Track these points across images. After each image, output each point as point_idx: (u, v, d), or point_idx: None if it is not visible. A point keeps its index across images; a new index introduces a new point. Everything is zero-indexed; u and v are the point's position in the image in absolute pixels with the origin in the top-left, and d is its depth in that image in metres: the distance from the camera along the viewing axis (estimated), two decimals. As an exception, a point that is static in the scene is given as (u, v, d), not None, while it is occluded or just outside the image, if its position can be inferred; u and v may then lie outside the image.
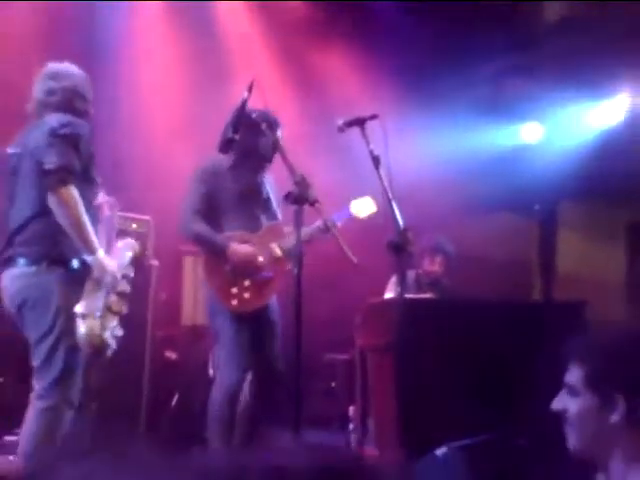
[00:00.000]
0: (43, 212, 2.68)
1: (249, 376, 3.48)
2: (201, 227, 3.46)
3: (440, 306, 3.96)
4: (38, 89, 2.86)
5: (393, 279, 4.53)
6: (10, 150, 2.85)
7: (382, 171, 2.73)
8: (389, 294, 4.56)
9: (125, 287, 2.82)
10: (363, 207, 3.64)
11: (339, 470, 0.91)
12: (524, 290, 6.43)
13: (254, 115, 3.17)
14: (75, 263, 2.73)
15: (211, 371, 4.36)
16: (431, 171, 5.43)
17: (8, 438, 3.60)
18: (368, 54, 5.68)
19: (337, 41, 5.82)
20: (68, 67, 2.94)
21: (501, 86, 5.91)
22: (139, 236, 3.64)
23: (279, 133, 3.27)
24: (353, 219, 3.63)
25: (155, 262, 4.31)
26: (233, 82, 4.67)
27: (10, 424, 2.95)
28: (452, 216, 5.69)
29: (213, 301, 3.51)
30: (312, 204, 2.75)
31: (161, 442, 4.32)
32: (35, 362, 2.70)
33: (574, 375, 1.68)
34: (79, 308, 2.64)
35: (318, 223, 3.35)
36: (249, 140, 3.35)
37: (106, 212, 2.91)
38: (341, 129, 2.85)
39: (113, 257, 2.82)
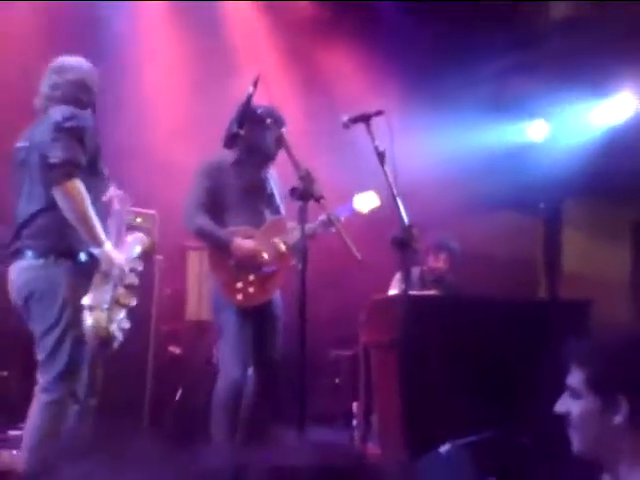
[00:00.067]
0: (50, 206, 2.69)
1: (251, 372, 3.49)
2: (205, 221, 3.47)
3: (444, 303, 3.95)
4: (44, 84, 2.87)
5: (397, 276, 4.53)
6: (18, 145, 2.85)
7: (387, 167, 2.72)
8: (393, 291, 4.56)
9: (133, 280, 2.82)
10: (366, 201, 3.64)
11: (341, 469, 0.90)
12: (529, 288, 6.42)
13: (259, 111, 3.17)
14: (83, 256, 2.73)
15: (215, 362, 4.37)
16: (436, 168, 5.42)
17: (12, 433, 3.61)
18: (372, 52, 5.68)
19: (342, 39, 5.81)
20: (73, 60, 2.93)
21: (506, 84, 5.89)
22: (144, 231, 3.64)
23: (284, 129, 3.26)
24: (356, 214, 3.63)
25: (159, 257, 4.31)
26: (238, 80, 4.67)
27: (14, 419, 2.95)
28: (457, 214, 5.68)
29: (217, 296, 3.52)
30: (317, 200, 2.75)
31: (164, 437, 4.32)
32: (40, 355, 2.70)
33: (576, 378, 1.68)
34: (86, 300, 2.64)
35: (322, 218, 3.35)
36: (254, 135, 3.35)
37: (116, 206, 2.91)
38: (346, 125, 2.85)
39: (122, 251, 2.82)
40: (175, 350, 4.86)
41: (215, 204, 3.50)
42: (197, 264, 4.87)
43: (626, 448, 1.63)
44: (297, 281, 2.69)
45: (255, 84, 2.90)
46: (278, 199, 3.64)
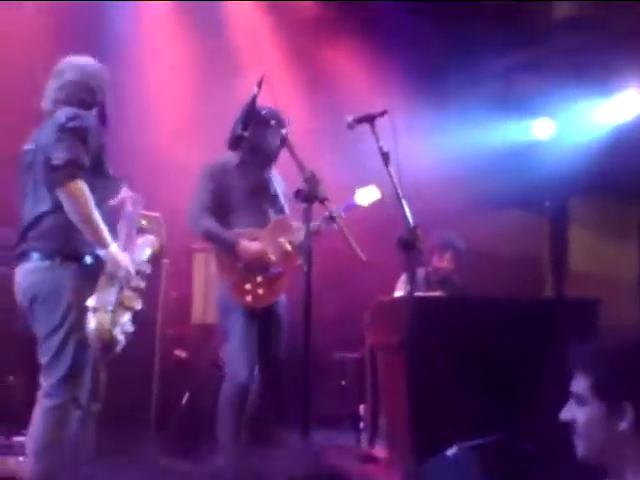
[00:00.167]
0: (55, 208, 2.68)
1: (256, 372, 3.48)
2: (210, 223, 3.48)
3: (450, 304, 3.93)
4: (50, 85, 2.87)
5: (403, 277, 4.51)
6: (25, 147, 2.85)
7: (391, 168, 2.70)
8: (399, 292, 4.54)
9: (139, 283, 2.80)
10: (367, 195, 3.66)
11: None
12: (535, 287, 6.39)
13: (264, 112, 3.17)
14: (88, 259, 2.72)
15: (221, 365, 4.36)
16: (441, 168, 5.41)
17: (17, 439, 3.60)
18: (376, 51, 5.66)
19: (345, 39, 5.80)
20: (79, 60, 2.92)
21: (511, 82, 5.88)
22: (153, 233, 3.62)
23: (287, 130, 3.25)
24: (358, 207, 3.65)
25: (165, 260, 4.31)
26: (241, 80, 4.66)
27: (19, 424, 2.94)
28: (462, 213, 5.66)
29: (224, 298, 3.52)
30: (322, 202, 2.74)
31: (171, 441, 4.32)
32: (43, 359, 2.69)
33: (581, 384, 1.68)
34: (91, 302, 2.62)
35: (324, 215, 3.34)
36: (258, 137, 3.36)
37: (129, 207, 2.91)
38: (350, 126, 2.84)
39: (132, 253, 2.81)
40: (181, 354, 4.85)
41: (220, 206, 3.51)
42: (203, 267, 4.86)
43: (631, 454, 1.63)
44: (302, 282, 2.67)
45: (259, 85, 2.89)
46: (282, 199, 3.64)
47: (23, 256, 2.73)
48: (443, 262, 4.81)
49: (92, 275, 2.70)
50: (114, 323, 2.64)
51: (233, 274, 3.46)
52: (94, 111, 2.87)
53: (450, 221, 5.27)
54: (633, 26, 5.11)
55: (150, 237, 2.95)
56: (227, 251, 3.47)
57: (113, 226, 2.83)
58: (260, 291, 3.46)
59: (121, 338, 2.67)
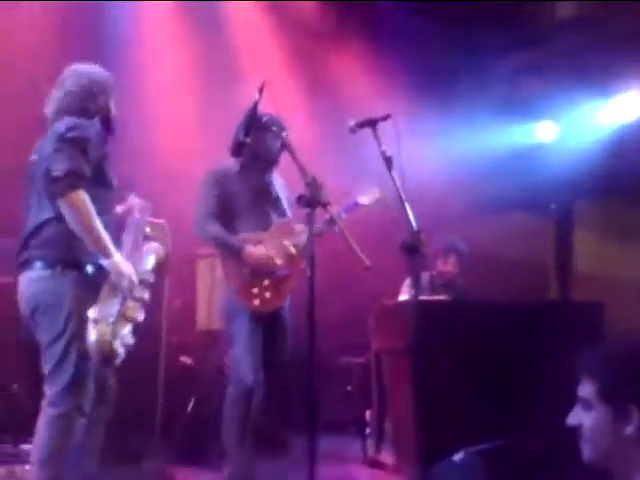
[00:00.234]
0: (57, 217, 2.68)
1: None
2: (216, 229, 3.50)
3: (455, 308, 3.93)
4: (53, 95, 2.88)
5: (407, 281, 4.50)
6: (31, 158, 2.86)
7: (394, 172, 2.70)
8: (403, 296, 4.54)
9: (143, 293, 2.79)
10: (369, 195, 3.69)
11: None
12: (540, 290, 6.38)
13: (265, 118, 3.18)
14: (90, 268, 2.72)
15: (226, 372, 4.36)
16: (445, 171, 5.41)
17: (24, 447, 3.61)
18: (379, 55, 5.67)
19: (348, 42, 5.80)
20: (82, 68, 2.92)
21: (514, 85, 5.88)
22: (158, 241, 3.63)
23: (287, 135, 3.26)
24: (359, 207, 3.67)
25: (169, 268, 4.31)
26: (244, 85, 4.67)
27: (26, 432, 2.94)
28: (466, 216, 5.66)
29: (229, 303, 3.53)
30: (324, 206, 2.74)
31: (176, 447, 4.31)
32: (46, 367, 2.69)
33: (587, 389, 1.68)
34: (92, 313, 2.61)
35: (325, 217, 3.36)
36: (259, 142, 3.37)
37: (135, 215, 2.90)
38: (353, 130, 2.84)
39: (137, 261, 2.80)
40: (186, 360, 4.84)
41: (224, 211, 3.53)
42: (207, 273, 4.86)
43: (637, 458, 1.64)
44: (306, 286, 2.67)
45: (261, 91, 2.89)
46: (284, 203, 3.66)
47: (25, 265, 2.74)
48: (447, 266, 4.80)
49: (94, 284, 2.70)
50: (115, 335, 2.63)
51: (240, 279, 3.48)
52: (97, 119, 2.87)
53: (454, 225, 5.26)
54: (635, 28, 5.10)
55: (155, 245, 2.95)
56: (233, 256, 3.48)
57: (118, 235, 2.82)
58: (267, 294, 3.48)
59: (121, 350, 2.65)
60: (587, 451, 1.69)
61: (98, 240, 2.65)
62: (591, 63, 5.33)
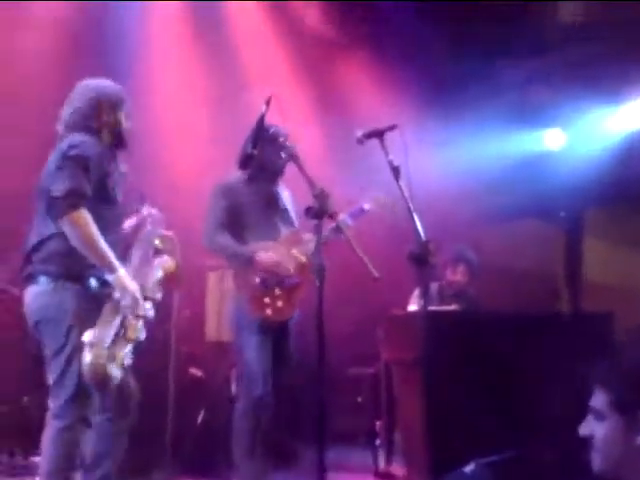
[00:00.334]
0: (59, 232, 2.70)
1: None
2: (226, 239, 3.52)
3: (465, 318, 3.91)
4: (64, 111, 2.90)
5: (416, 292, 4.49)
6: (42, 174, 2.88)
7: (402, 182, 2.70)
8: (412, 307, 4.52)
9: (147, 311, 2.79)
10: (374, 201, 3.71)
11: None
12: (550, 299, 6.34)
13: (271, 130, 3.19)
14: (93, 281, 2.73)
15: (234, 387, 4.35)
16: (454, 180, 5.40)
17: (34, 459, 3.61)
18: (387, 64, 5.67)
19: (356, 52, 5.81)
20: (87, 84, 2.94)
21: (522, 93, 5.87)
22: (167, 253, 3.65)
23: (294, 147, 3.27)
24: (365, 212, 3.69)
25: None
26: (252, 98, 4.69)
27: (37, 445, 2.95)
28: (476, 225, 5.64)
29: (238, 314, 3.54)
30: (331, 216, 2.74)
31: (186, 459, 4.31)
32: (50, 380, 2.70)
33: (599, 399, 1.68)
34: (87, 336, 2.59)
35: (332, 225, 3.36)
36: (266, 154, 3.39)
37: (147, 227, 2.91)
38: (360, 141, 2.85)
39: (144, 277, 2.81)
40: (196, 372, 4.84)
41: (233, 223, 3.55)
42: (216, 285, 4.87)
43: None
44: (315, 297, 2.67)
45: (268, 103, 2.91)
46: (292, 213, 3.68)
47: (29, 279, 2.76)
48: (456, 275, 4.79)
49: (97, 299, 2.70)
50: (112, 358, 2.62)
51: (251, 289, 3.49)
52: (105, 134, 2.89)
53: (463, 234, 5.25)
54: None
55: (165, 257, 2.95)
56: (244, 266, 3.49)
57: (125, 251, 2.83)
58: (279, 303, 3.50)
59: (116, 374, 2.64)
60: (598, 461, 1.69)
61: (102, 258, 2.66)
62: (599, 71, 5.32)
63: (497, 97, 5.67)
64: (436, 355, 2.75)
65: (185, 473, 4.21)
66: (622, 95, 5.65)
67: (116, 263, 2.68)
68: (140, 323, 2.76)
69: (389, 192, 3.08)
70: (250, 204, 3.57)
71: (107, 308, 2.68)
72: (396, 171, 2.72)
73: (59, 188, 2.65)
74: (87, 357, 2.57)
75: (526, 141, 6.20)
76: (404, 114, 4.76)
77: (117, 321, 2.67)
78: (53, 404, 2.68)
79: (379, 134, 2.80)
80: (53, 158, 2.76)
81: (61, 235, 2.69)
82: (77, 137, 2.78)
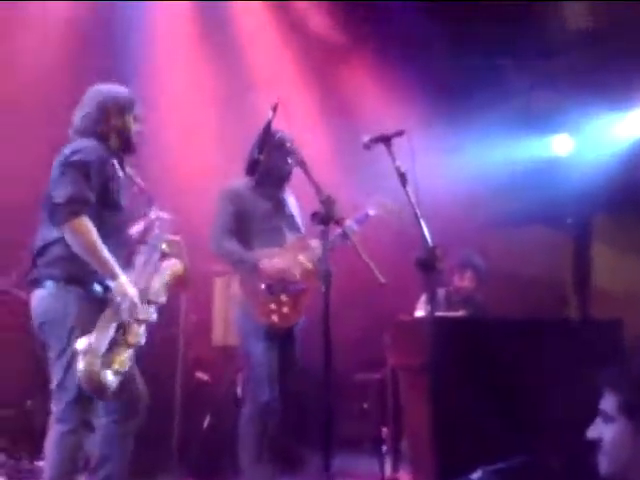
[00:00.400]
0: (62, 237, 2.71)
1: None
2: (232, 245, 3.53)
3: (472, 324, 3.89)
4: (75, 116, 2.91)
5: (423, 297, 4.48)
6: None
7: (409, 188, 2.70)
8: (419, 312, 4.51)
9: (149, 315, 2.79)
10: (379, 206, 3.73)
11: None
12: (558, 306, 6.30)
13: (278, 135, 3.20)
14: (96, 285, 2.73)
15: (239, 390, 4.35)
16: (461, 186, 5.39)
17: (39, 463, 3.61)
18: (394, 69, 5.66)
19: (362, 57, 5.81)
20: (96, 89, 2.95)
21: (529, 99, 5.85)
22: (176, 257, 3.65)
23: (301, 153, 3.28)
24: (370, 218, 3.70)
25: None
26: (259, 98, 4.71)
27: (41, 449, 2.95)
28: (483, 231, 5.62)
29: (245, 320, 3.55)
30: (338, 222, 2.74)
31: (193, 463, 4.31)
32: (53, 383, 2.70)
33: (609, 402, 1.68)
34: (81, 344, 2.59)
35: (338, 231, 3.37)
36: (272, 160, 3.39)
37: (156, 231, 2.91)
38: (367, 146, 2.85)
39: (148, 281, 2.80)
40: (202, 377, 4.84)
41: (240, 229, 3.56)
42: (223, 290, 4.87)
43: None
44: (322, 303, 2.66)
45: (274, 109, 2.91)
46: (298, 219, 3.69)
47: (34, 282, 2.77)
48: (464, 281, 4.79)
49: (100, 302, 2.71)
50: (107, 364, 2.62)
51: (257, 295, 3.49)
52: (113, 138, 2.89)
53: (471, 240, 5.23)
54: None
55: (173, 261, 2.95)
56: (250, 272, 3.49)
57: (129, 256, 2.84)
58: (285, 310, 3.50)
59: (111, 380, 2.63)
60: (606, 465, 1.70)
61: (102, 264, 2.66)
62: (607, 76, 5.30)
63: (504, 103, 5.66)
64: (443, 361, 2.74)
65: (191, 477, 4.21)
66: (630, 101, 5.63)
67: (117, 269, 2.69)
68: (142, 328, 2.76)
69: (396, 198, 3.08)
70: (257, 210, 3.58)
71: (106, 313, 2.68)
72: (403, 177, 2.72)
73: (60, 194, 2.66)
74: (80, 364, 2.57)
75: (534, 147, 6.18)
76: (411, 119, 4.76)
77: (114, 326, 2.66)
78: (55, 407, 2.68)
79: (386, 139, 2.80)
80: (57, 164, 2.77)
81: (64, 240, 2.70)
82: (80, 142, 2.79)
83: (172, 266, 2.94)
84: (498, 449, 2.65)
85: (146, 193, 3.00)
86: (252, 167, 3.09)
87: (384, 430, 4.52)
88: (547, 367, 3.29)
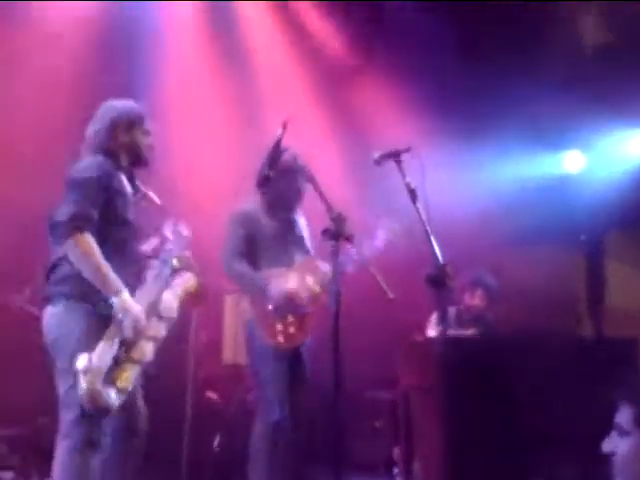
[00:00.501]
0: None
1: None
2: (242, 267, 3.55)
3: (484, 343, 3.86)
4: (87, 132, 2.93)
5: (434, 316, 4.45)
6: None
7: (419, 204, 2.69)
8: (431, 331, 4.48)
9: (158, 331, 2.78)
10: (389, 230, 3.71)
11: None
12: (571, 325, 6.24)
13: (287, 156, 3.20)
14: (104, 303, 2.72)
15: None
16: (473, 203, 5.37)
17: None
18: (406, 85, 5.67)
19: (372, 72, 5.83)
20: (107, 105, 2.96)
21: (541, 115, 5.84)
22: (193, 271, 3.64)
23: (311, 171, 3.28)
24: (383, 244, 3.68)
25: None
26: (269, 118, 4.72)
27: (50, 467, 2.93)
28: (495, 249, 5.59)
29: (252, 340, 3.56)
30: (348, 239, 2.74)
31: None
32: (60, 400, 2.70)
33: (624, 416, 1.66)
34: (81, 363, 2.57)
35: (351, 256, 3.41)
36: (282, 181, 3.39)
37: (169, 246, 2.90)
38: (377, 162, 2.85)
39: (157, 298, 2.79)
40: (212, 396, 4.82)
41: (250, 250, 3.59)
42: (234, 308, 4.87)
43: None
44: (332, 322, 2.65)
45: (284, 126, 2.92)
46: (308, 242, 3.71)
47: (46, 300, 2.79)
48: (474, 300, 4.76)
49: (107, 319, 2.69)
50: (109, 382, 2.60)
51: (265, 316, 3.51)
52: (123, 154, 2.90)
53: (482, 257, 5.21)
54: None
55: (188, 275, 2.94)
56: (258, 293, 3.50)
57: (140, 272, 2.83)
58: (291, 330, 3.51)
59: (114, 398, 2.60)
60: (621, 477, 1.66)
61: (103, 280, 2.65)
62: (619, 93, 5.28)
63: (515, 119, 5.65)
64: (455, 381, 2.71)
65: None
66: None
67: (118, 286, 2.67)
68: (150, 344, 2.74)
69: (406, 214, 3.06)
70: (267, 232, 3.61)
71: (110, 330, 2.67)
72: (413, 193, 2.72)
73: (62, 212, 2.67)
74: (82, 383, 2.55)
75: (545, 164, 6.16)
76: (423, 136, 4.76)
77: (117, 343, 2.65)
78: (61, 424, 2.67)
79: (395, 156, 2.80)
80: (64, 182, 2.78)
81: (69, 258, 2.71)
82: (85, 160, 2.81)
83: (185, 281, 2.93)
84: (511, 469, 2.61)
85: (161, 208, 3.00)
86: (262, 183, 3.09)
87: (396, 451, 4.46)
88: (561, 386, 3.24)
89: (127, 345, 2.68)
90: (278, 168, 3.03)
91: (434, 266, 2.60)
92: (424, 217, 2.67)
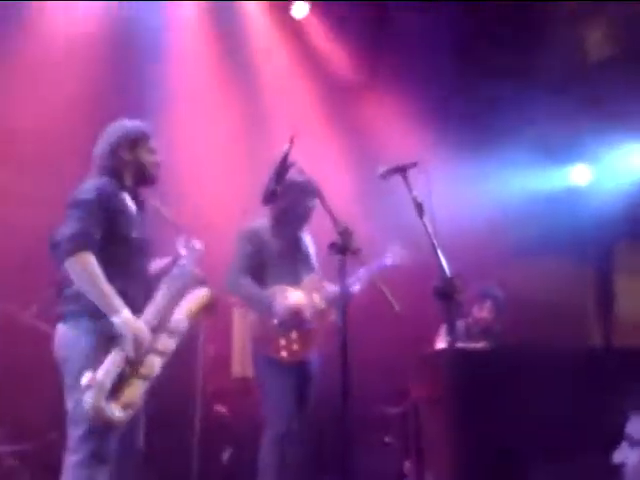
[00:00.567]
0: None
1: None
2: (248, 283, 3.58)
3: (493, 355, 3.85)
4: (94, 151, 2.95)
5: (443, 329, 4.45)
6: None
7: (426, 218, 2.70)
8: (440, 344, 4.48)
9: (167, 345, 2.78)
10: (398, 256, 3.78)
11: None
12: (581, 336, 6.22)
13: (293, 173, 3.22)
14: (106, 321, 2.73)
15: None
16: (481, 216, 5.38)
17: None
18: (412, 98, 5.69)
19: (379, 87, 5.85)
20: (112, 126, 2.99)
21: (548, 129, 5.85)
22: (206, 285, 3.66)
23: (317, 186, 3.29)
24: (391, 266, 3.74)
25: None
26: (276, 132, 4.75)
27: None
28: (504, 261, 5.59)
29: (258, 355, 3.59)
30: (355, 253, 2.75)
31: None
32: (68, 416, 2.71)
33: (635, 426, 1.65)
34: (85, 379, 2.58)
35: (360, 275, 3.48)
36: (288, 199, 3.45)
37: (182, 262, 2.93)
38: (383, 176, 2.86)
39: (166, 314, 2.81)
40: (221, 409, 4.82)
41: (257, 268, 3.62)
42: (242, 321, 4.87)
43: None
44: (339, 337, 2.65)
45: (291, 141, 2.94)
46: (313, 259, 3.74)
47: (58, 317, 2.82)
48: (483, 312, 4.76)
49: (110, 338, 2.70)
50: (114, 399, 2.61)
51: (268, 330, 3.54)
52: (127, 174, 2.92)
53: (491, 270, 5.21)
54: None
55: (199, 291, 2.95)
56: (264, 309, 3.53)
57: (148, 288, 2.85)
58: (295, 346, 3.54)
59: (119, 414, 2.61)
60: None
61: (103, 299, 2.67)
62: (625, 106, 5.29)
63: (522, 133, 5.67)
64: (464, 393, 2.71)
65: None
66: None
67: (117, 305, 2.68)
68: (157, 359, 2.75)
69: (413, 228, 3.08)
70: (272, 250, 3.64)
71: (115, 348, 2.68)
72: (420, 207, 2.73)
73: (65, 233, 2.70)
74: (87, 400, 2.57)
75: (552, 177, 6.17)
76: (430, 150, 4.78)
77: (122, 360, 2.66)
78: (69, 440, 2.68)
79: (401, 170, 2.81)
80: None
81: None
82: (87, 182, 2.84)
83: (200, 297, 2.94)
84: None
85: (174, 225, 3.02)
86: (269, 198, 3.10)
87: (406, 464, 4.45)
88: (570, 397, 3.23)
89: (133, 362, 2.68)
90: (285, 183, 3.05)
91: (442, 279, 2.60)
92: (431, 231, 2.68)
